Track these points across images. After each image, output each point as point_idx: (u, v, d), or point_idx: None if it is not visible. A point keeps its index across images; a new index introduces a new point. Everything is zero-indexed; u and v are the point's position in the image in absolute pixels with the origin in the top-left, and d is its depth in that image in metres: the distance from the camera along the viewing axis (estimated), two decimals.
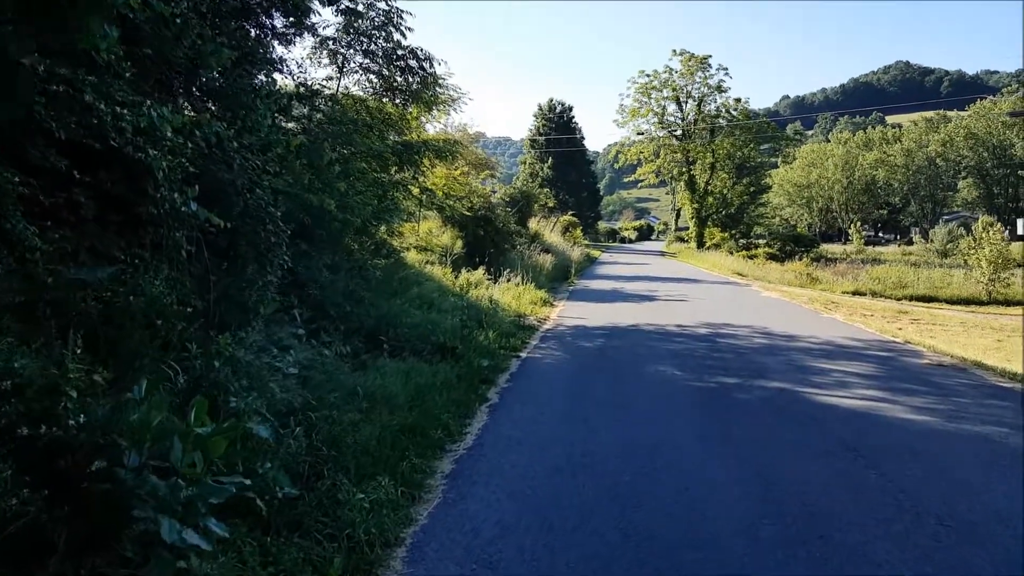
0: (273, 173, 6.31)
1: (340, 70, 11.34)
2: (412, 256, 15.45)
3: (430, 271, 15.36)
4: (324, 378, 6.09)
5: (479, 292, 14.79)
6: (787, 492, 4.55)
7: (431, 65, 11.64)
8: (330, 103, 10.52)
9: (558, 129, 65.48)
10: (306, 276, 8.01)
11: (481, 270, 17.02)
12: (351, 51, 11.18)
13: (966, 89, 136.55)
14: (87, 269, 4.64)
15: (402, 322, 9.01)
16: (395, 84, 11.72)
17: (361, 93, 11.65)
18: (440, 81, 14.78)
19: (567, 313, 14.72)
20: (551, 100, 67.48)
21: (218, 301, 5.59)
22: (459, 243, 19.45)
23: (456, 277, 15.91)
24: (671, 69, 52.02)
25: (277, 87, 8.53)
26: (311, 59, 11.03)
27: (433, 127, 16.26)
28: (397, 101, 12.07)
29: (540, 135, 65.62)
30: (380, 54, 11.27)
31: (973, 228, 40.56)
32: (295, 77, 9.44)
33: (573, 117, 67.87)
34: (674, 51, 51.92)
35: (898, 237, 74.04)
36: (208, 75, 6.02)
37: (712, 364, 8.87)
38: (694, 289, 21.12)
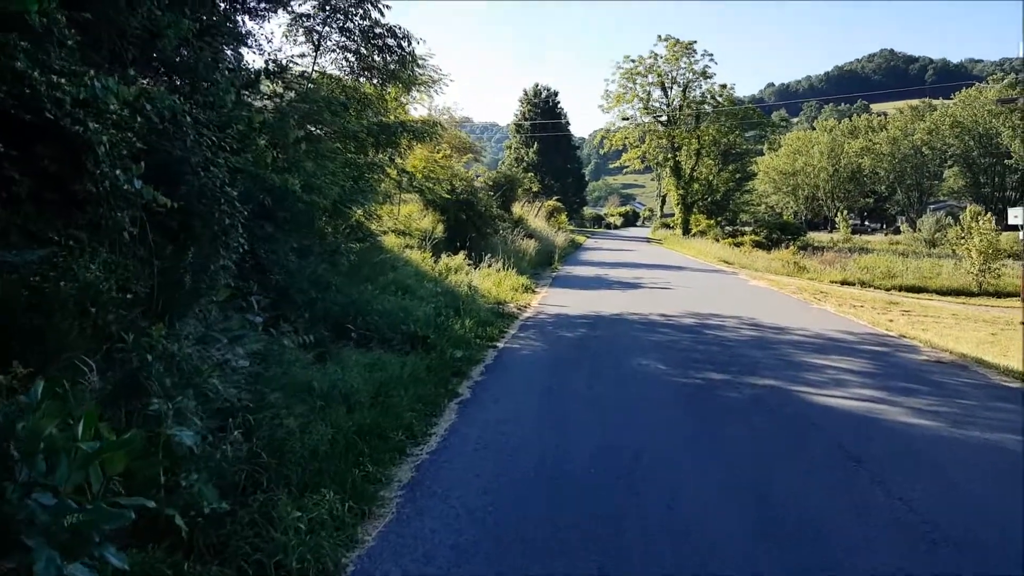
0: (231, 150, 5.71)
1: (316, 48, 10.69)
2: (390, 240, 14.85)
3: (409, 256, 14.78)
4: (280, 372, 5.54)
5: (458, 278, 14.25)
6: (785, 510, 4.07)
7: (409, 43, 11.04)
8: (302, 80, 9.88)
9: (543, 114, 64.66)
10: (270, 260, 7.44)
11: (462, 255, 16.47)
12: (327, 28, 10.55)
13: (950, 77, 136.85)
14: (15, 252, 4.14)
15: (372, 309, 8.46)
16: (373, 63, 11.10)
17: (338, 72, 11.03)
18: (420, 61, 14.17)
19: (549, 300, 14.21)
20: (536, 85, 66.67)
21: (163, 287, 5.01)
22: (440, 227, 18.86)
23: (436, 262, 15.35)
24: (656, 55, 51.40)
25: (243, 62, 7.93)
26: (287, 36, 10.40)
27: (415, 109, 15.65)
28: (375, 81, 11.44)
29: (525, 120, 64.78)
30: (357, 32, 10.65)
31: (961, 217, 40.58)
32: (265, 53, 8.81)
33: (559, 102, 67.07)
34: (659, 36, 51.47)
35: (884, 226, 74.26)
36: (166, 46, 5.42)
37: (698, 358, 8.40)
38: (679, 277, 20.70)
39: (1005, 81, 68.19)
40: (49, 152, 4.15)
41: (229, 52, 7.05)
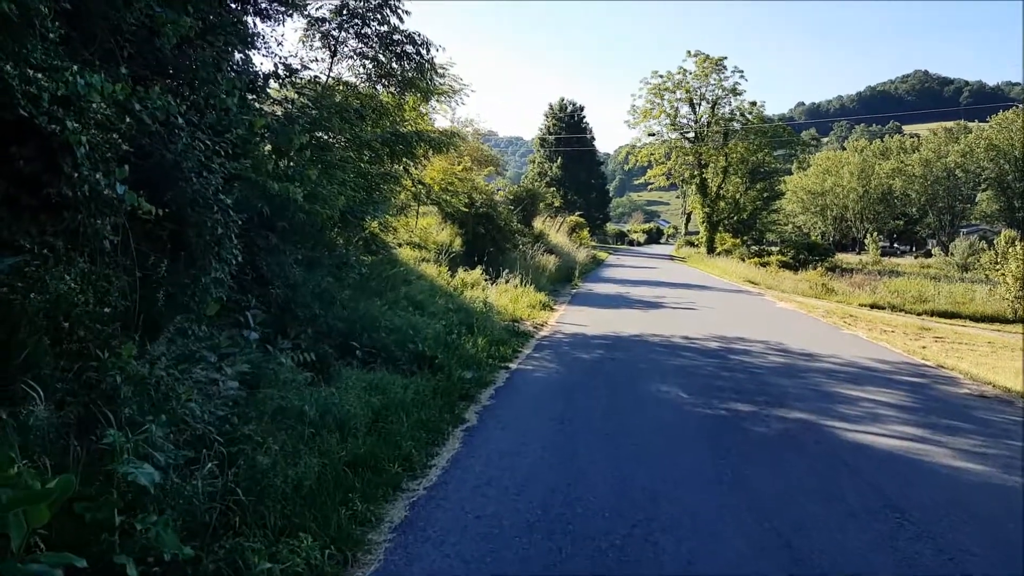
0: (226, 155, 5.42)
1: (332, 54, 10.47)
2: (406, 253, 14.56)
3: (424, 270, 14.47)
4: (272, 393, 5.20)
5: (474, 293, 13.89)
6: (821, 567, 3.60)
7: (428, 51, 10.75)
8: (315, 85, 9.65)
9: (568, 129, 64.40)
10: (272, 273, 7.14)
11: (479, 270, 16.13)
12: (344, 34, 10.32)
13: (986, 100, 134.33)
14: None
15: (380, 326, 8.12)
16: (391, 71, 10.84)
17: (354, 79, 10.81)
18: (440, 70, 13.94)
19: (567, 319, 13.76)
20: (562, 99, 66.41)
21: (145, 301, 4.70)
22: (458, 241, 18.56)
23: (452, 276, 15.03)
24: (685, 70, 50.78)
25: (251, 65, 7.69)
26: (303, 42, 10.20)
27: (436, 120, 15.42)
28: (392, 89, 11.19)
29: (550, 134, 64.60)
30: (374, 38, 10.41)
31: (995, 241, 39.43)
32: (275, 56, 8.58)
33: (584, 117, 66.74)
34: (689, 52, 50.77)
35: (914, 248, 72.48)
36: (164, 44, 5.18)
37: (722, 385, 7.90)
38: (703, 296, 20.10)
39: None
40: (24, 152, 3.87)
41: (236, 54, 6.80)
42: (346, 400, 5.46)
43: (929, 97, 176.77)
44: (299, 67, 8.68)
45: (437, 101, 14.40)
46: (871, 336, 13.17)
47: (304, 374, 6.10)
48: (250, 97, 7.96)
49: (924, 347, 12.23)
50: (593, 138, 68.82)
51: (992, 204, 64.79)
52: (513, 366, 8.78)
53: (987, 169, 63.30)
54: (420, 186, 12.90)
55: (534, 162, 66.13)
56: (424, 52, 10.74)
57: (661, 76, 51.62)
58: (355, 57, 10.68)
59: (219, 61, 5.78)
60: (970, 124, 73.02)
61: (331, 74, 10.50)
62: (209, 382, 4.72)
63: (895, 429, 6.32)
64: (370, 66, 10.74)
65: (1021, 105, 67.26)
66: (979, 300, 21.12)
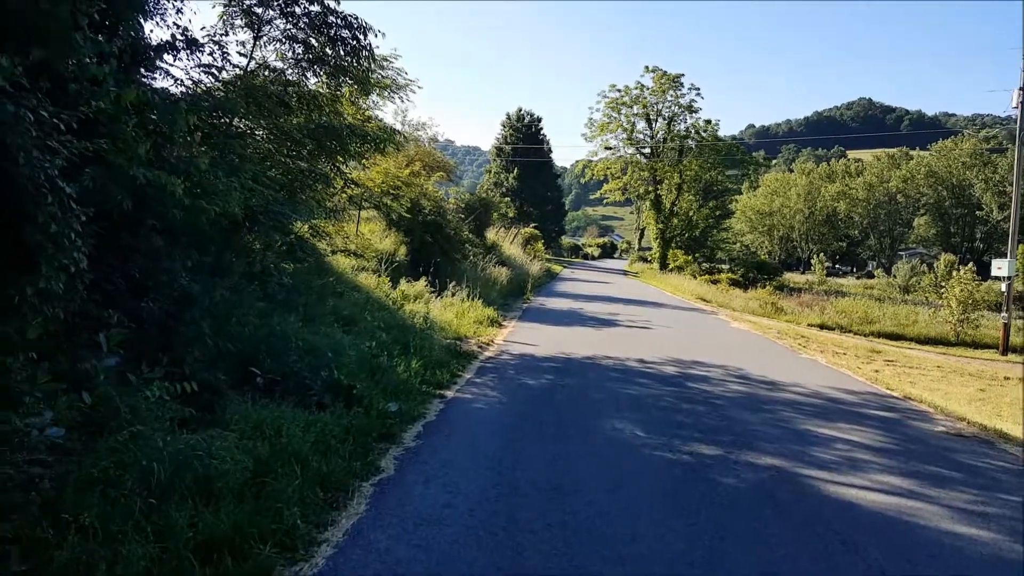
0: (73, 131, 4.20)
1: (256, 34, 9.25)
2: (341, 261, 13.31)
3: (361, 280, 13.25)
4: (115, 442, 3.98)
5: (415, 307, 12.74)
6: None
7: (366, 36, 9.62)
8: (232, 68, 8.41)
9: (526, 139, 63.83)
10: (153, 282, 5.87)
11: (423, 281, 14.99)
12: (269, 12, 9.12)
13: (925, 128, 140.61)
14: None
15: (292, 347, 6.90)
16: (323, 56, 9.67)
17: (282, 64, 9.60)
18: (382, 61, 12.82)
19: (516, 337, 12.74)
20: (520, 109, 65.84)
21: None
22: (403, 249, 17.39)
23: (393, 288, 13.84)
24: (643, 86, 50.79)
25: (142, 34, 6.43)
26: (224, 19, 8.93)
27: (386, 119, 14.23)
28: (322, 75, 10.00)
29: (507, 144, 63.89)
30: (304, 17, 9.23)
31: (935, 265, 40.46)
32: (172, 27, 7.31)
33: (541, 128, 66.31)
34: (647, 67, 50.76)
35: (855, 269, 74.58)
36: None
37: (684, 421, 6.98)
38: (658, 314, 19.40)
39: (981, 134, 69.44)
40: None
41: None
42: (220, 448, 4.26)
43: (872, 124, 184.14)
44: (206, 41, 7.42)
45: (380, 96, 13.24)
46: (829, 361, 12.60)
47: (186, 410, 4.89)
48: (143, 72, 6.76)
49: (877, 371, 11.91)
50: (550, 150, 68.51)
51: (930, 229, 67.23)
52: (450, 394, 7.69)
53: (926, 195, 65.71)
54: (355, 187, 11.67)
55: (490, 172, 65.29)
56: (361, 37, 9.62)
57: (619, 90, 51.58)
58: (283, 40, 9.49)
59: (76, 16, 4.56)
60: (911, 151, 75.90)
61: (253, 57, 9.28)
62: (15, 432, 3.48)
63: (879, 480, 5.48)
64: (299, 50, 9.56)
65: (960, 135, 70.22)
66: (922, 322, 21.36)
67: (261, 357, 6.50)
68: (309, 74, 9.75)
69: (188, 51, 7.09)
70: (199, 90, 7.46)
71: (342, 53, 9.67)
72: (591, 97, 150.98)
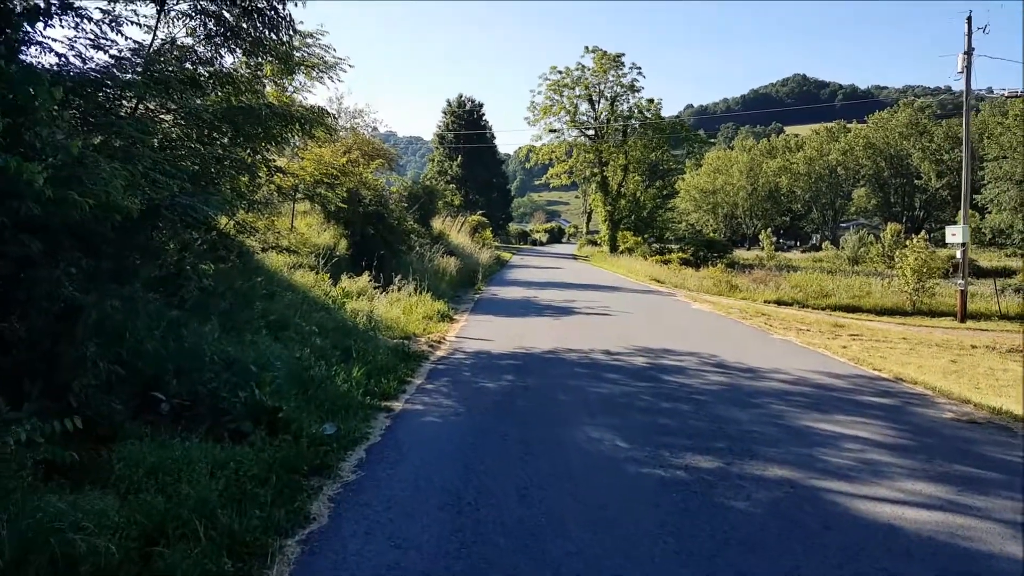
0: None
1: (160, 7, 7.95)
2: (274, 259, 12.06)
3: (297, 278, 12.03)
4: None
5: (358, 305, 11.64)
6: None
7: (284, 5, 8.46)
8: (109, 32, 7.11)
9: (468, 126, 62.56)
10: (26, 295, 4.71)
11: (366, 276, 13.85)
12: None
13: (859, 100, 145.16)
14: None
15: (205, 363, 5.79)
16: (237, 29, 8.44)
17: (192, 41, 8.33)
18: (308, 38, 11.56)
19: (469, 332, 11.79)
20: (460, 96, 64.51)
21: None
22: (343, 243, 16.14)
23: (333, 285, 12.67)
24: (584, 67, 50.16)
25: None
26: None
27: (316, 99, 12.89)
28: (238, 52, 8.78)
29: (448, 131, 62.45)
30: None
31: (882, 235, 41.35)
32: None
33: (484, 114, 65.29)
34: (587, 48, 50.13)
35: (799, 243, 76.34)
36: None
37: (668, 424, 6.18)
38: (616, 299, 18.74)
39: (916, 104, 71.68)
40: None
41: None
42: (94, 511, 3.19)
43: (807, 99, 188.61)
44: (92, 9, 6.14)
45: (308, 76, 11.97)
46: (802, 340, 12.11)
47: (67, 453, 3.76)
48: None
49: (844, 347, 11.60)
50: (493, 136, 67.46)
51: (870, 199, 69.18)
52: (398, 406, 6.69)
53: (865, 166, 67.48)
54: (284, 176, 10.44)
55: (434, 160, 63.83)
56: (279, 6, 8.45)
57: (560, 72, 50.81)
58: (193, 15, 8.23)
59: None
60: (849, 124, 77.90)
61: (158, 34, 7.99)
62: None
63: (910, 490, 4.71)
64: (211, 24, 8.31)
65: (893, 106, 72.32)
66: (876, 293, 21.42)
67: (167, 378, 5.38)
68: (224, 51, 8.52)
69: (62, 16, 5.82)
70: (91, 68, 6.21)
71: (259, 26, 8.49)
72: (532, 81, 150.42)
